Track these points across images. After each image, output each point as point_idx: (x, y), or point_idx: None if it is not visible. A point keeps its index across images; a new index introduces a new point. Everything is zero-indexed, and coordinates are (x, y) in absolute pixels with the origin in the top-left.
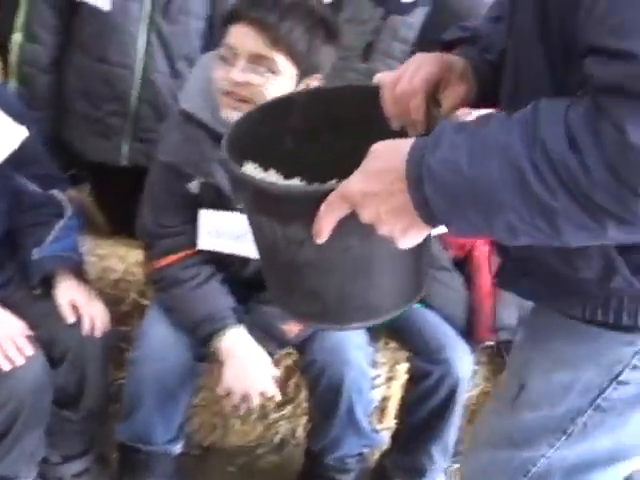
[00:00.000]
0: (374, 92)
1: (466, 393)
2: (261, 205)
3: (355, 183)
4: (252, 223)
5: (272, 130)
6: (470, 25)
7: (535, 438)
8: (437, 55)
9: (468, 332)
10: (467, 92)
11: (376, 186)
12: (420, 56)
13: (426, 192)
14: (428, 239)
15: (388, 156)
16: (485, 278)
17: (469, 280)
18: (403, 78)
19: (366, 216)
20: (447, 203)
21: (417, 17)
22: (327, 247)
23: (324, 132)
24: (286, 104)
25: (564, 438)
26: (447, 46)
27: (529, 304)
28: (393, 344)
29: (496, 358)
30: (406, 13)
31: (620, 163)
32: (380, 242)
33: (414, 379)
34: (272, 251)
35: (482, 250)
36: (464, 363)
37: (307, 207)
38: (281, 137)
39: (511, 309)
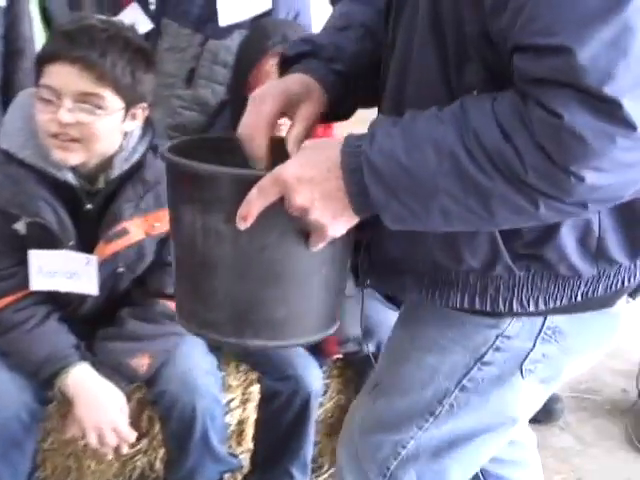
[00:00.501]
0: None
1: (319, 408)
2: (186, 191)
3: (290, 168)
4: (173, 218)
5: (210, 158)
6: (311, 37)
7: (404, 421)
8: (276, 87)
9: (315, 347)
10: (316, 108)
11: (311, 172)
12: (259, 95)
13: (365, 181)
14: (344, 267)
15: (323, 146)
16: None
17: None
18: (245, 125)
19: (298, 201)
20: (386, 191)
21: (235, 40)
22: (244, 243)
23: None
24: (232, 141)
25: (432, 419)
26: (290, 60)
27: (374, 313)
28: (244, 366)
29: (347, 370)
30: (224, 37)
31: (550, 143)
32: (297, 246)
33: (266, 399)
34: (188, 248)
35: None
36: (313, 378)
37: (234, 192)
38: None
39: (354, 320)
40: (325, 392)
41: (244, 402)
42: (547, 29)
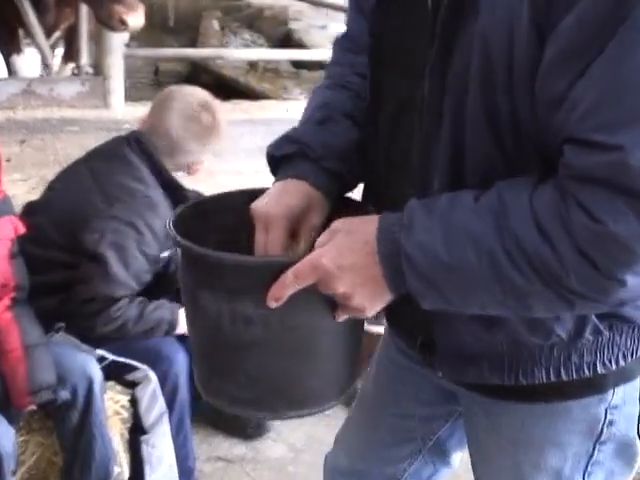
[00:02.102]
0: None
1: (21, 465)
2: (208, 279)
3: (329, 254)
4: (191, 301)
5: (198, 227)
6: (295, 136)
7: None
8: (277, 207)
9: (5, 402)
10: (320, 218)
11: (351, 258)
12: (263, 220)
13: (403, 270)
14: (362, 325)
15: (358, 229)
16: (15, 342)
17: None
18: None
19: (341, 289)
20: (424, 284)
21: None
22: (275, 325)
23: (249, 233)
24: (220, 203)
25: None
26: (277, 159)
27: (66, 358)
28: None
29: (47, 421)
30: None
31: (594, 250)
32: (325, 320)
33: None
34: (213, 332)
35: (6, 315)
36: (3, 438)
37: (263, 279)
38: (206, 235)
39: (45, 368)
40: (25, 449)
41: None
42: (607, 126)
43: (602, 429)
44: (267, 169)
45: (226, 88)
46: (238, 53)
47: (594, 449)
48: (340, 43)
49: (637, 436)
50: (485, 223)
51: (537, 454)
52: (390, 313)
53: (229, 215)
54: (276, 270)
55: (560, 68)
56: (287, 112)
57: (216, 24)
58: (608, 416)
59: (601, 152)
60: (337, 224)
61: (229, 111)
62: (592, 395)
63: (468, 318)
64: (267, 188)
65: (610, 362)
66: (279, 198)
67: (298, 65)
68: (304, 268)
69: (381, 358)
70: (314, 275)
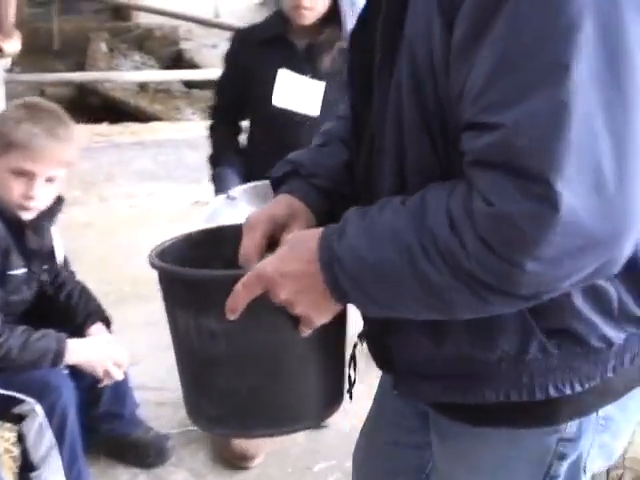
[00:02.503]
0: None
1: None
2: (178, 296)
3: (272, 264)
4: (170, 320)
5: (200, 256)
6: (293, 157)
7: None
8: (264, 213)
9: None
10: (302, 227)
11: (292, 265)
12: (251, 222)
13: (336, 274)
14: (341, 345)
15: (304, 239)
16: None
17: None
18: (242, 250)
19: (282, 295)
20: (354, 285)
21: None
22: (238, 339)
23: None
24: (217, 235)
25: None
26: (277, 181)
27: None
28: None
29: None
30: None
31: (491, 236)
32: (289, 335)
33: None
34: (186, 348)
35: None
36: None
37: (222, 292)
38: (210, 263)
39: None
40: None
41: None
42: (492, 106)
43: (552, 463)
44: (161, 191)
45: (116, 110)
46: (122, 75)
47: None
48: None
49: (584, 470)
50: (406, 222)
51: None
52: (364, 331)
53: (227, 246)
54: (230, 283)
55: (461, 57)
56: (178, 133)
57: (104, 46)
58: (560, 449)
59: (487, 133)
60: (289, 236)
61: (119, 134)
62: (546, 425)
63: (418, 334)
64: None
65: (564, 386)
66: (268, 208)
67: (190, 85)
68: (250, 277)
69: (380, 381)
70: (260, 284)
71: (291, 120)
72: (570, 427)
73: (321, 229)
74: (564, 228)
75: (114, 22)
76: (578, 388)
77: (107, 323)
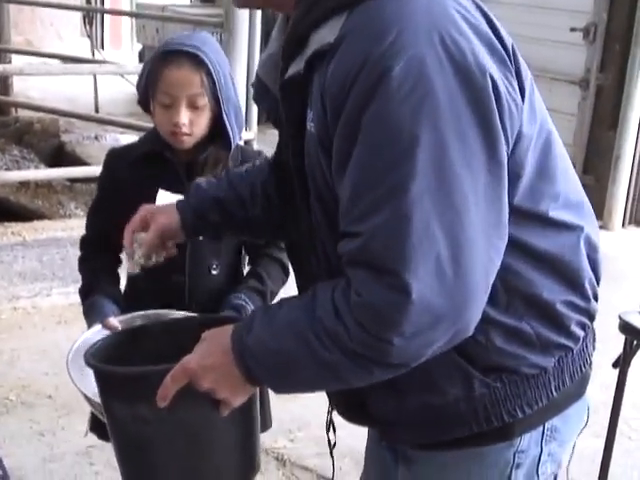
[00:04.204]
0: (222, 321)
1: None
2: (113, 391)
3: (195, 359)
4: (106, 411)
5: (123, 354)
6: (202, 183)
7: None
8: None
9: None
10: (168, 220)
11: (210, 359)
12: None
13: (247, 362)
14: (255, 418)
15: (218, 335)
16: None
17: None
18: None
19: (205, 385)
20: (263, 370)
21: None
22: (168, 422)
23: (171, 359)
24: (140, 333)
25: None
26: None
27: None
28: None
29: None
30: None
31: (364, 319)
32: (212, 414)
33: None
34: (122, 436)
35: None
36: None
37: (151, 384)
38: (130, 360)
39: None
40: None
41: None
42: (354, 218)
43: (511, 472)
44: (45, 292)
45: None
46: (2, 175)
47: None
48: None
49: (536, 474)
50: (300, 314)
51: None
52: (334, 400)
53: (153, 342)
54: (160, 377)
55: (336, 179)
56: (62, 231)
57: None
58: (516, 460)
59: (353, 239)
60: (204, 335)
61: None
62: (503, 441)
63: (383, 393)
64: (204, 315)
65: (516, 412)
66: (161, 207)
67: (72, 179)
68: (176, 372)
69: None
70: (185, 376)
71: None
72: (523, 440)
73: (232, 326)
74: (417, 308)
75: None
76: (528, 411)
77: None
